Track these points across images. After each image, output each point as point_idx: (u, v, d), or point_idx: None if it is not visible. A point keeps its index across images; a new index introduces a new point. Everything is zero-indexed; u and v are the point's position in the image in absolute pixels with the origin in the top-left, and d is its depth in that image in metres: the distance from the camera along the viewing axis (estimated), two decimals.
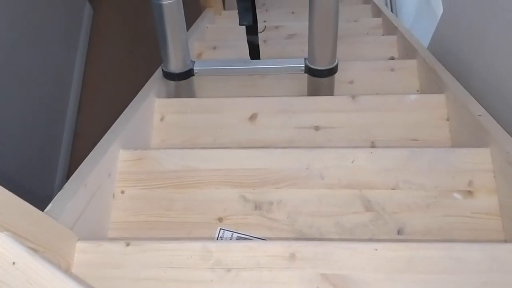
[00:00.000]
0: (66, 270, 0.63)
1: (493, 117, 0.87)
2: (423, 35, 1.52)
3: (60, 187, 0.72)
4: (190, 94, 1.18)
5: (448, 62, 1.14)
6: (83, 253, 0.66)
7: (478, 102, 0.93)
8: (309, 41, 1.05)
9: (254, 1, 1.14)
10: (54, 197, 0.69)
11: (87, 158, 0.80)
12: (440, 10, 1.26)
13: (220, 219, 0.81)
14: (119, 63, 2.30)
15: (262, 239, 0.78)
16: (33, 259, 0.51)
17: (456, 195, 0.80)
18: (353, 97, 1.03)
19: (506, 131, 0.82)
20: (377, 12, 1.91)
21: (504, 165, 0.77)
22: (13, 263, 0.49)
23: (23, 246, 0.51)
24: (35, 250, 0.54)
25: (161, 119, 1.06)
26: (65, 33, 2.13)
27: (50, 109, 1.93)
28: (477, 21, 1.02)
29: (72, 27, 2.23)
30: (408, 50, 1.37)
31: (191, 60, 1.14)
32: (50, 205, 0.67)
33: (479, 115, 0.89)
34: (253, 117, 1.04)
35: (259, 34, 1.24)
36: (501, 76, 0.91)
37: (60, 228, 0.64)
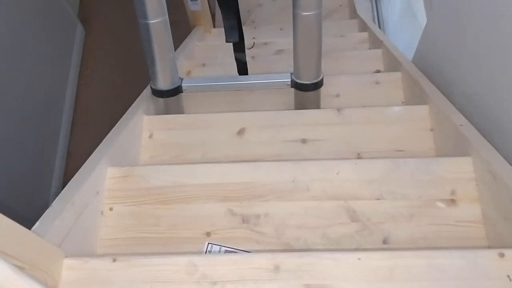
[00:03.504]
0: None
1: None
2: (408, 48, 1.54)
3: None
4: (179, 110, 1.20)
5: (431, 74, 1.17)
6: (70, 270, 0.67)
7: (460, 113, 0.95)
8: (294, 57, 1.07)
9: (240, 19, 1.16)
10: None
11: (74, 176, 0.81)
12: (424, 23, 1.29)
13: (208, 234, 0.82)
14: (111, 83, 2.32)
15: (250, 252, 0.79)
16: (19, 277, 0.52)
17: (440, 204, 0.81)
18: (339, 110, 1.05)
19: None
20: (363, 27, 1.94)
21: (485, 174, 0.79)
22: None
23: (8, 264, 0.52)
24: (21, 268, 0.55)
25: (150, 136, 1.07)
26: (57, 54, 2.15)
27: (43, 129, 1.94)
28: (455, 35, 1.04)
29: (64, 48, 2.25)
30: (392, 63, 1.39)
31: (180, 77, 1.16)
32: (37, 223, 0.68)
33: (460, 125, 0.90)
34: (241, 132, 1.06)
35: (247, 51, 1.27)
36: (476, 89, 0.93)
37: (47, 245, 0.65)
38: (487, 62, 0.90)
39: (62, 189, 0.76)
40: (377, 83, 1.27)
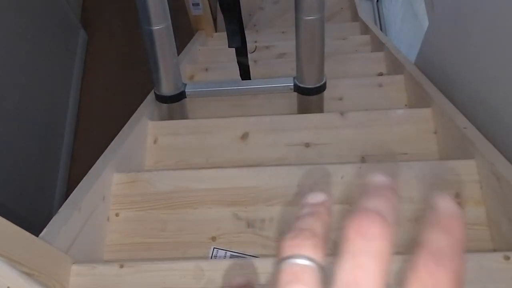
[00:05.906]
0: None
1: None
2: (410, 50, 1.55)
3: None
4: (183, 115, 1.20)
5: (434, 76, 1.17)
6: (78, 276, 0.67)
7: (463, 115, 0.96)
8: (297, 61, 1.07)
9: (242, 24, 1.17)
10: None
11: (81, 182, 0.81)
12: (426, 24, 1.30)
13: (214, 238, 0.83)
14: (114, 88, 2.33)
15: (255, 257, 0.79)
16: (27, 284, 0.53)
17: None
18: (342, 113, 1.06)
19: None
20: (365, 30, 1.94)
21: (489, 176, 0.79)
22: (8, 287, 0.51)
23: (17, 271, 0.53)
24: (29, 275, 0.55)
25: (155, 141, 1.08)
26: (59, 59, 2.16)
27: (47, 135, 1.95)
28: (458, 36, 1.05)
29: (66, 53, 2.26)
30: (395, 66, 1.40)
31: (183, 83, 1.16)
32: (44, 230, 0.68)
33: (464, 128, 0.91)
34: (244, 136, 1.06)
35: (250, 54, 1.27)
36: (480, 89, 0.94)
37: (55, 252, 0.65)
38: (490, 63, 0.90)
39: (67, 195, 0.77)
40: (380, 86, 1.27)
